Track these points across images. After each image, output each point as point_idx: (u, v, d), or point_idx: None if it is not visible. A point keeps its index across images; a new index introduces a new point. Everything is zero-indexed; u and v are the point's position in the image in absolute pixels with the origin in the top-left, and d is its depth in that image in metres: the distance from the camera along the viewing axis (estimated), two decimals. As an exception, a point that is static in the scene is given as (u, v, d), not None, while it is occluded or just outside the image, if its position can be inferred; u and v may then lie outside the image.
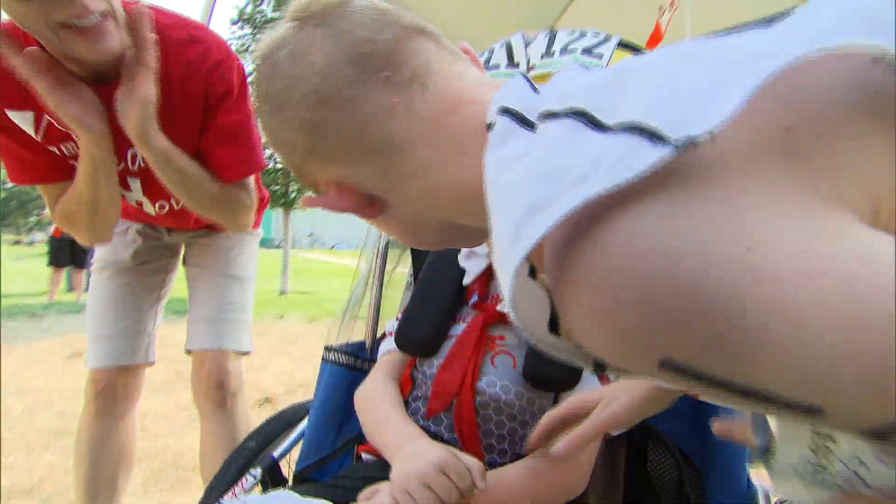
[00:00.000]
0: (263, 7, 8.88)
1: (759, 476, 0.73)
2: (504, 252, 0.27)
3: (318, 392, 1.00)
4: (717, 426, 0.48)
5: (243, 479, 0.86)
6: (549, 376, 0.70)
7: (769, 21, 0.28)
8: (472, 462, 0.57)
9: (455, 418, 0.70)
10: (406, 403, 0.76)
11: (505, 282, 0.27)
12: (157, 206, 1.17)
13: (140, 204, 1.17)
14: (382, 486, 0.59)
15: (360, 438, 1.02)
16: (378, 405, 0.74)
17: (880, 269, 0.20)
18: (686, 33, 1.80)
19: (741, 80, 0.22)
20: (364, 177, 0.42)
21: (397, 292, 1.23)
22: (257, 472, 0.88)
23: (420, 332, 0.78)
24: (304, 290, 8.91)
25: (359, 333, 1.15)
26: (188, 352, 1.32)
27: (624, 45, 0.96)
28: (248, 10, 8.95)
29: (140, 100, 0.86)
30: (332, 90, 0.40)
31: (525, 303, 0.30)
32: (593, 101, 0.28)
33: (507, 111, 0.34)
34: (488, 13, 3.34)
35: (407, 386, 0.79)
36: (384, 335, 0.91)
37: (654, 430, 0.78)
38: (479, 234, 0.45)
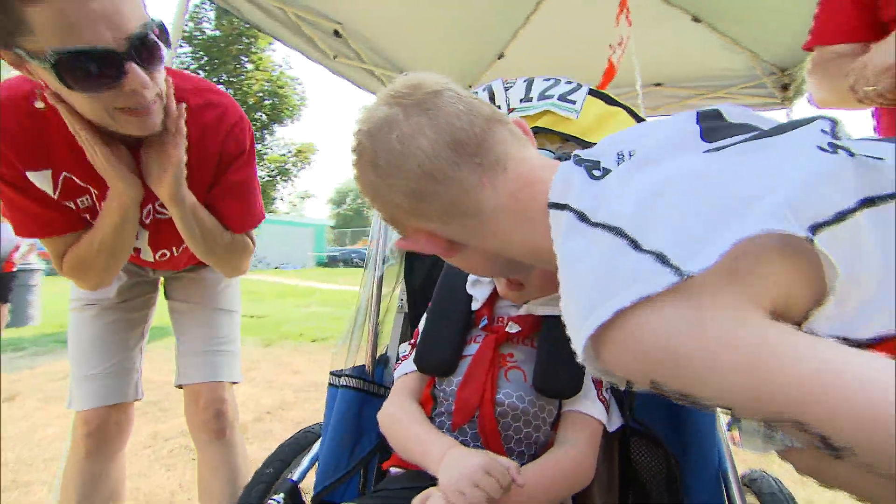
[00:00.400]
0: (203, 25, 8.68)
1: (730, 456, 0.87)
2: (577, 322, 0.43)
3: (330, 415, 1.06)
4: None
5: (268, 504, 0.91)
6: (555, 386, 0.81)
7: (777, 130, 0.45)
8: (510, 462, 0.67)
9: (480, 428, 0.79)
10: (430, 419, 0.84)
11: (578, 343, 0.43)
12: (157, 254, 1.20)
13: (138, 251, 1.19)
14: (432, 491, 0.67)
15: (375, 456, 1.09)
16: (409, 423, 0.82)
17: (752, 346, 0.37)
18: (635, 68, 2.02)
19: (725, 232, 0.38)
20: (452, 231, 0.57)
21: (388, 317, 1.30)
22: (279, 497, 0.92)
23: (439, 355, 0.87)
24: (254, 313, 8.64)
25: (349, 358, 1.22)
26: (179, 386, 1.32)
27: (593, 93, 1.10)
28: (189, 27, 8.72)
29: (174, 164, 0.95)
30: (437, 169, 0.53)
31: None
32: (633, 223, 0.42)
33: (572, 209, 0.47)
34: (435, 47, 3.51)
35: (428, 404, 0.87)
36: (397, 359, 0.98)
37: (638, 423, 0.90)
38: (525, 268, 0.64)
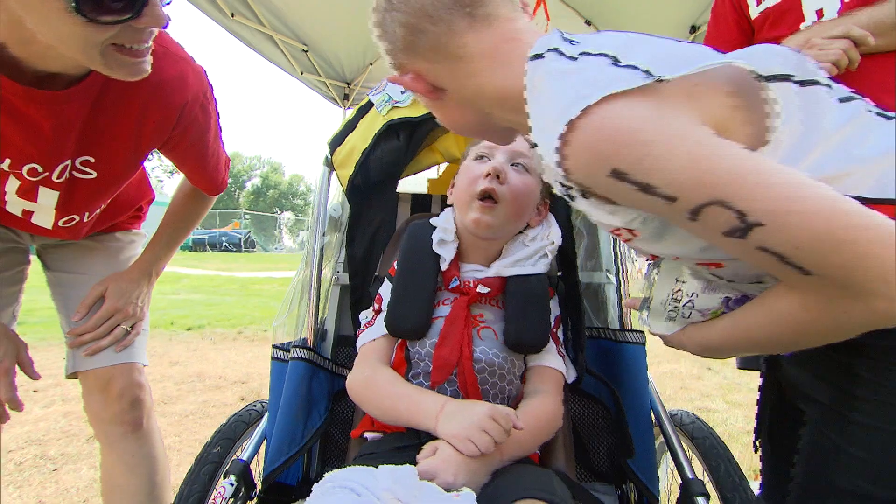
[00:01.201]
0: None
1: (660, 400, 1.01)
2: (551, 123, 0.49)
3: (279, 390, 1.00)
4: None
5: (221, 488, 0.84)
6: (525, 342, 0.86)
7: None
8: (509, 410, 0.70)
9: (460, 384, 0.81)
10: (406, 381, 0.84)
11: (551, 141, 0.48)
12: (63, 220, 1.02)
13: (30, 214, 1.00)
14: (438, 442, 0.68)
15: (330, 427, 1.05)
16: (390, 385, 0.81)
17: (701, 141, 0.45)
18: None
19: (693, 62, 0.48)
20: (436, 72, 0.63)
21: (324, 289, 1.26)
22: (231, 479, 0.86)
23: (412, 317, 0.86)
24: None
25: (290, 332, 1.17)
26: (73, 375, 1.14)
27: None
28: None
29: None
30: (434, 10, 0.59)
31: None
32: (616, 50, 0.50)
33: (554, 49, 0.54)
34: (341, 23, 3.38)
35: (402, 366, 0.87)
36: (361, 326, 0.96)
37: (590, 372, 1.01)
38: (505, 133, 0.70)
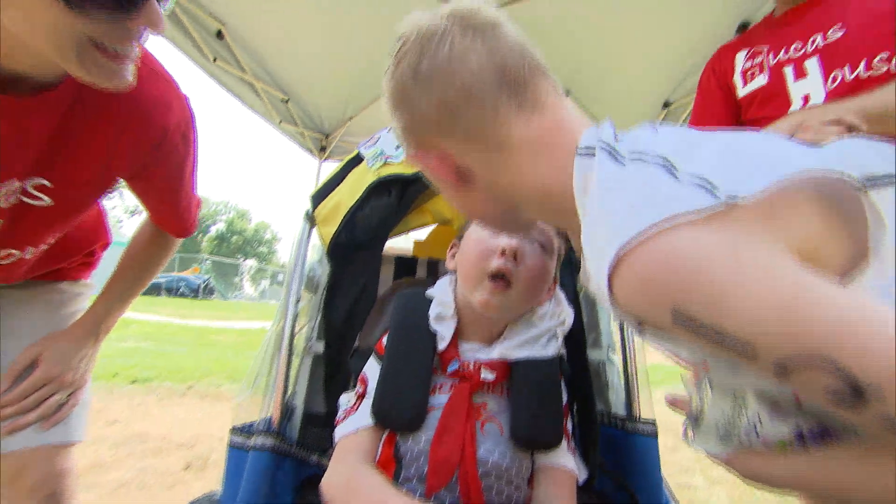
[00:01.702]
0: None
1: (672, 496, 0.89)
2: (600, 242, 0.41)
3: (237, 483, 0.83)
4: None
5: None
6: (536, 439, 0.74)
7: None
8: None
9: (462, 491, 0.68)
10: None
11: (603, 266, 0.40)
12: (1, 253, 0.85)
13: None
14: None
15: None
16: (375, 493, 0.66)
17: (790, 279, 0.36)
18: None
19: (770, 172, 0.39)
20: (469, 157, 0.55)
21: (294, 360, 1.12)
22: None
23: (404, 406, 0.74)
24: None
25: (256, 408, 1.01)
26: None
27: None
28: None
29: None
30: (477, 89, 0.52)
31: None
32: (674, 155, 0.42)
33: (605, 146, 0.47)
34: (322, 73, 3.39)
35: (390, 466, 0.73)
36: (304, 412, 0.82)
37: (606, 472, 0.88)
38: (527, 226, 0.64)
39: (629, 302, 0.40)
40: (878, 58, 1.08)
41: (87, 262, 1.15)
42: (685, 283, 0.37)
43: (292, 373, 1.07)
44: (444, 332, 0.81)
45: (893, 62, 1.07)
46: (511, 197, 0.56)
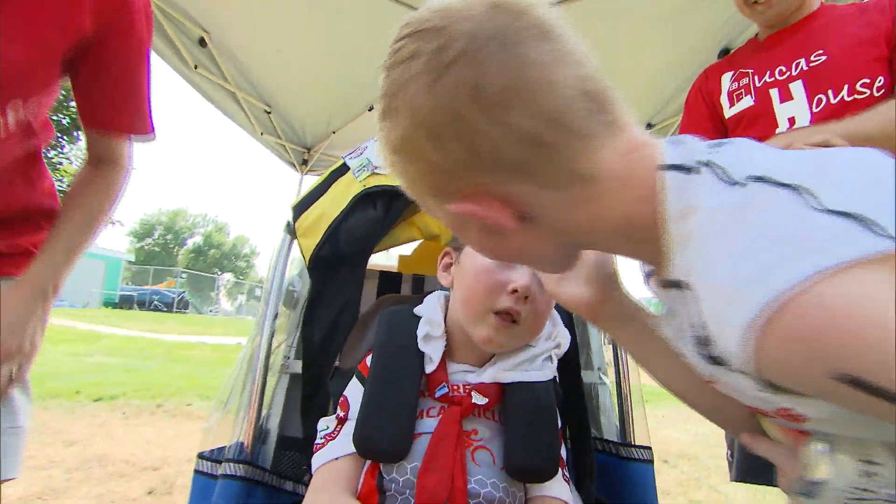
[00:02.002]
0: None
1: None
2: (729, 289, 0.35)
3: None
4: (746, 438, 0.55)
5: None
6: (531, 469, 0.70)
7: None
8: None
9: None
10: (378, 521, 0.64)
11: (743, 315, 0.33)
12: None
13: None
14: None
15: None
16: None
17: None
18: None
19: None
20: (542, 197, 0.43)
21: (269, 380, 1.05)
22: None
23: (389, 434, 0.68)
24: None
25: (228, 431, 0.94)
26: None
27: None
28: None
29: None
30: (568, 115, 0.41)
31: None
32: (808, 180, 0.35)
33: (709, 164, 0.40)
34: (307, 84, 3.36)
35: (373, 498, 0.67)
36: (279, 437, 0.76)
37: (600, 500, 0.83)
38: (572, 263, 0.53)
39: (776, 358, 0.34)
40: (859, 83, 1.12)
41: (27, 250, 0.94)
42: (849, 341, 0.31)
43: (267, 394, 1.00)
44: (432, 353, 0.76)
45: (874, 87, 1.10)
46: (585, 233, 0.46)
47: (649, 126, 3.49)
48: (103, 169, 0.90)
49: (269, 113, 3.53)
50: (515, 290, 0.71)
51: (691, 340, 0.42)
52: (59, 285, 0.87)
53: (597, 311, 0.59)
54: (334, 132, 3.91)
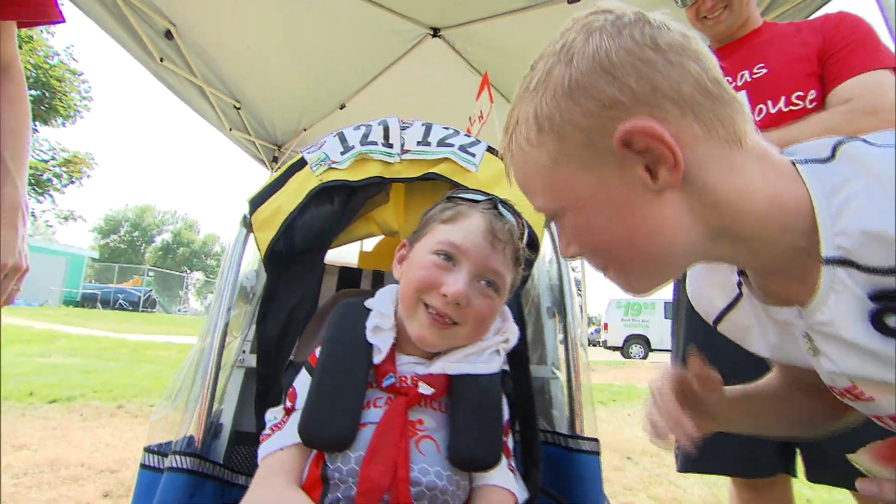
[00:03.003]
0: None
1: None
2: None
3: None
4: (862, 484, 0.53)
5: None
6: (475, 459, 0.71)
7: None
8: None
9: None
10: (320, 510, 0.65)
11: None
12: None
13: None
14: None
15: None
16: None
17: None
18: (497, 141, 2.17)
19: None
20: (700, 149, 0.47)
21: (223, 374, 1.04)
22: None
23: (334, 424, 0.68)
24: (-44, 363, 6.36)
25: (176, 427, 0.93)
26: None
27: (492, 151, 1.11)
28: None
29: None
30: (724, 85, 0.48)
31: None
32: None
33: (852, 140, 0.46)
34: (277, 81, 3.32)
35: (316, 488, 0.67)
36: (231, 432, 0.76)
37: (547, 493, 0.85)
38: (680, 270, 0.54)
39: None
40: (794, 95, 1.20)
41: None
42: None
43: (220, 388, 0.99)
44: (380, 344, 0.77)
45: (807, 100, 1.17)
46: (731, 212, 0.48)
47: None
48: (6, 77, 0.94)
49: (239, 109, 3.48)
50: (445, 296, 0.74)
51: (861, 316, 0.44)
52: (24, 198, 0.94)
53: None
54: (305, 129, 3.88)
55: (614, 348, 16.80)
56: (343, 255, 1.29)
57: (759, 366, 0.69)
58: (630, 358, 15.82)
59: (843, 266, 0.44)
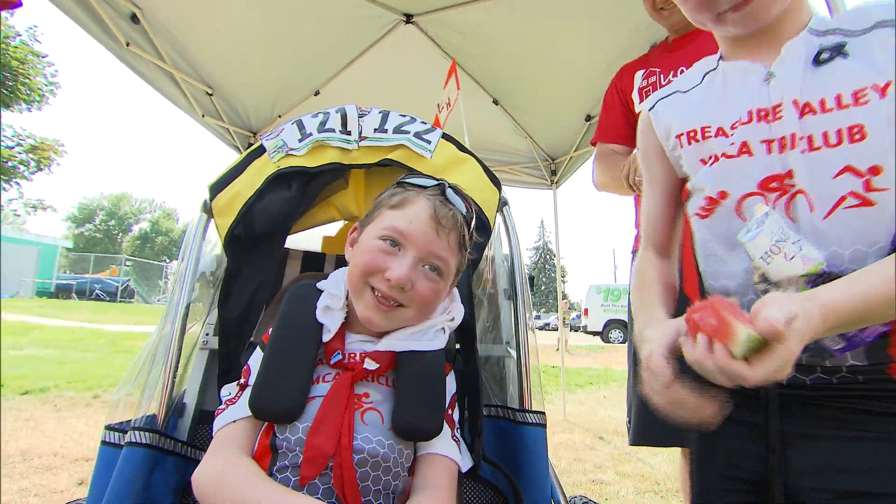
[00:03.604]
0: None
1: (560, 487, 0.94)
2: None
3: (104, 485, 0.78)
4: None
5: None
6: (416, 428, 0.76)
7: None
8: None
9: (335, 481, 0.67)
10: (269, 476, 0.68)
11: None
12: None
13: None
14: None
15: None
16: (245, 483, 0.65)
17: None
18: (462, 128, 2.21)
19: None
20: None
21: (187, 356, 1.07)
22: None
23: (283, 397, 0.72)
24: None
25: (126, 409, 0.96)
26: None
27: (446, 137, 1.14)
28: None
29: None
30: None
31: None
32: None
33: None
34: (250, 67, 3.29)
35: (266, 457, 0.71)
36: (224, 404, 0.79)
37: (488, 461, 0.91)
38: None
39: None
40: None
41: None
42: None
43: (181, 369, 1.02)
44: (329, 323, 0.81)
45: None
46: None
47: (589, 118, 3.63)
48: None
49: (211, 95, 3.43)
50: (389, 280, 0.77)
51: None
52: None
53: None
54: (280, 116, 3.84)
55: (595, 333, 17.12)
56: (310, 242, 1.32)
57: None
58: (609, 342, 16.14)
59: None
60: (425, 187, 0.85)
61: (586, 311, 17.61)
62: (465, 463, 0.83)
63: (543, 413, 0.97)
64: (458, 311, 0.89)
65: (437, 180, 0.87)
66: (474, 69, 3.42)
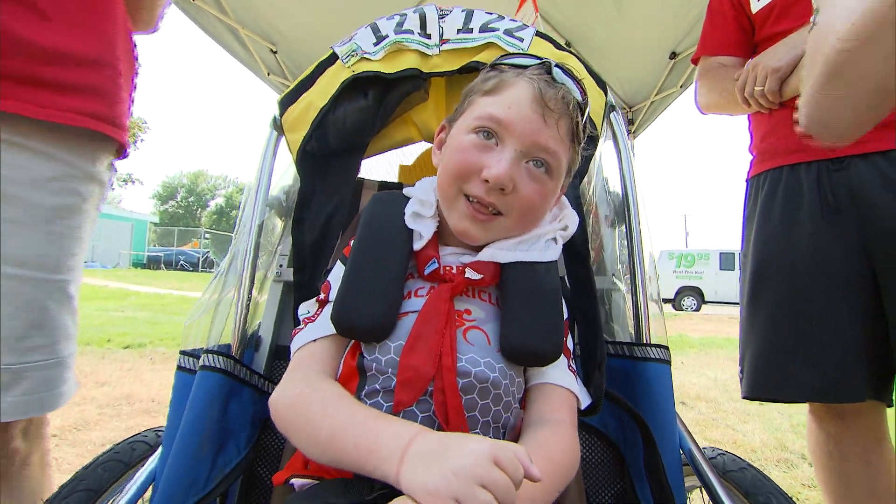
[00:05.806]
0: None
1: (690, 435, 0.78)
2: None
3: (180, 412, 0.72)
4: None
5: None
6: (529, 350, 0.62)
7: None
8: (518, 448, 0.45)
9: (437, 408, 0.56)
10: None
11: None
12: None
13: None
14: (403, 502, 0.42)
15: (244, 469, 0.77)
16: (329, 409, 0.55)
17: None
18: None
19: None
20: None
21: (263, 287, 1.00)
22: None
23: (371, 311, 0.61)
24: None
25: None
26: None
27: (541, 35, 0.97)
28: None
29: None
30: None
31: None
32: None
33: None
34: (318, 25, 3.19)
35: (353, 380, 0.61)
36: (302, 322, 0.70)
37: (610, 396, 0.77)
38: None
39: None
40: None
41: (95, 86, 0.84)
42: None
43: (254, 301, 0.94)
44: (421, 229, 0.69)
45: None
46: None
47: (674, 55, 3.26)
48: None
49: (275, 53, 3.40)
50: (487, 181, 0.63)
51: None
52: None
53: None
54: (345, 71, 3.77)
55: (665, 300, 16.31)
56: (387, 175, 1.21)
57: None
58: (682, 310, 15.33)
59: None
60: (526, 67, 0.69)
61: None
62: (585, 399, 0.69)
63: (667, 347, 0.81)
64: (570, 219, 0.74)
65: (541, 59, 0.71)
66: (543, 5, 3.14)
